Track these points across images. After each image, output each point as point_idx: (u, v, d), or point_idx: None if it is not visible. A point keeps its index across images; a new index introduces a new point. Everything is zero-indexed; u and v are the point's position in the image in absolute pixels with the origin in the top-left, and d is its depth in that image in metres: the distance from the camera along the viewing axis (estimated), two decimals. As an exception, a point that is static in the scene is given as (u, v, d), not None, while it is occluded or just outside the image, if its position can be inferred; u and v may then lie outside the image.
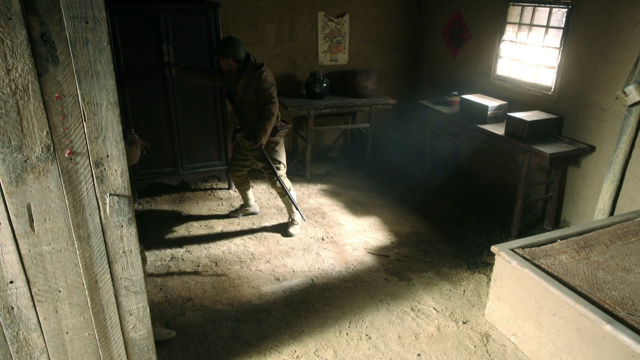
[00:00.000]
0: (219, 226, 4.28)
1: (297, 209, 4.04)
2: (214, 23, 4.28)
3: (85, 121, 1.68)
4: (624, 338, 2.23)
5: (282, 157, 4.02)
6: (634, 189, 3.56)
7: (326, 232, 4.18)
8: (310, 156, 5.39)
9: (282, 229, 4.23)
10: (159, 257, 3.79)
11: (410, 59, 6.11)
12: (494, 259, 3.04)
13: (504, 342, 2.95)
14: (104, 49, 1.62)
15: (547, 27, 4.24)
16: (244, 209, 4.46)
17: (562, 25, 4.06)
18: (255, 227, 4.29)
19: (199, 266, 3.68)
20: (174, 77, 4.27)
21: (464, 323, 3.12)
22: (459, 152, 5.56)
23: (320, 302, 3.31)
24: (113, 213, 1.84)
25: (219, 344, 2.91)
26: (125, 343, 2.11)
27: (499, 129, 4.27)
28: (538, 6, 4.31)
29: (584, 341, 2.46)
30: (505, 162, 4.51)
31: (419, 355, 2.85)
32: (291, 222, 4.21)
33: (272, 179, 3.95)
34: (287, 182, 4.01)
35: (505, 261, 2.88)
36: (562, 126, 4.13)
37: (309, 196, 4.91)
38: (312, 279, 3.55)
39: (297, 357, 2.82)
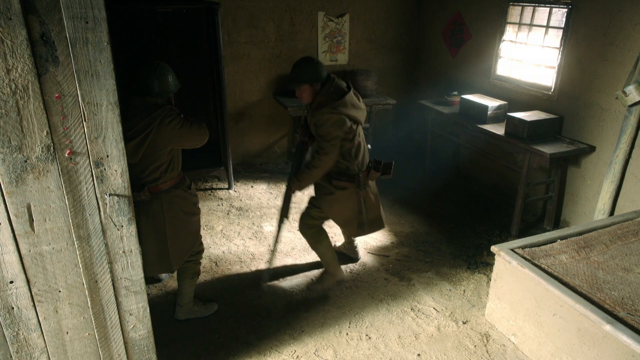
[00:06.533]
0: (219, 226, 4.28)
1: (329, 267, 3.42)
2: (213, 23, 4.26)
3: (85, 121, 1.68)
4: (624, 338, 2.23)
5: (334, 213, 3.24)
6: (634, 189, 3.56)
7: (326, 232, 4.18)
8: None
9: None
10: (159, 257, 3.79)
11: (410, 59, 6.11)
12: (494, 259, 3.03)
13: (504, 342, 2.95)
14: (104, 49, 1.62)
15: (547, 27, 4.24)
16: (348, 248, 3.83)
17: (562, 25, 4.06)
18: (255, 227, 4.29)
19: (199, 266, 3.68)
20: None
21: (464, 323, 3.12)
22: (459, 152, 5.56)
23: (320, 302, 3.31)
24: (113, 213, 1.84)
25: (219, 344, 2.91)
26: (125, 343, 2.11)
27: (499, 129, 4.27)
28: (538, 6, 4.31)
29: (584, 341, 2.46)
30: (505, 162, 4.51)
31: (419, 355, 2.85)
32: (325, 275, 3.48)
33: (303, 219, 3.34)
34: (321, 238, 3.35)
35: (505, 261, 2.88)
36: (562, 126, 4.13)
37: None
38: (312, 279, 3.55)
39: (297, 357, 2.82)
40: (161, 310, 3.19)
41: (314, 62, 2.87)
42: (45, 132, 1.64)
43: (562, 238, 3.05)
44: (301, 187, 3.09)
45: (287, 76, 5.53)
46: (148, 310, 2.10)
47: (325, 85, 2.90)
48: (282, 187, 5.08)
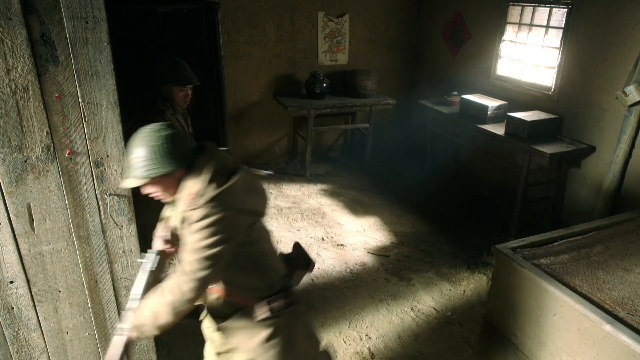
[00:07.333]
0: (219, 226, 4.28)
1: None
2: (213, 23, 4.24)
3: (85, 121, 1.68)
4: (624, 338, 2.23)
5: None
6: (634, 189, 3.56)
7: (326, 232, 4.17)
8: (310, 156, 5.39)
9: (283, 228, 4.22)
10: (159, 257, 3.79)
11: (410, 59, 6.11)
12: (494, 259, 3.03)
13: (504, 342, 2.95)
14: (104, 49, 1.62)
15: (547, 27, 4.24)
16: None
17: (562, 25, 4.06)
18: (255, 227, 4.29)
19: (199, 266, 3.67)
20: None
21: (464, 323, 3.12)
22: (459, 152, 5.56)
23: (321, 302, 3.30)
24: (113, 213, 1.84)
25: (219, 344, 2.91)
26: (125, 343, 2.11)
27: (499, 129, 4.27)
28: (538, 6, 4.31)
29: (584, 341, 2.46)
30: (505, 162, 4.51)
31: (419, 355, 2.85)
32: None
33: None
34: None
35: (505, 261, 2.88)
36: (562, 126, 4.13)
37: (309, 196, 4.90)
38: (312, 279, 3.55)
39: (297, 357, 2.82)
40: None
41: (171, 136, 1.54)
42: (45, 132, 1.64)
43: (562, 238, 3.06)
44: (140, 333, 1.62)
45: (287, 76, 5.60)
46: (148, 310, 2.10)
47: (198, 162, 1.55)
48: (283, 187, 5.09)
